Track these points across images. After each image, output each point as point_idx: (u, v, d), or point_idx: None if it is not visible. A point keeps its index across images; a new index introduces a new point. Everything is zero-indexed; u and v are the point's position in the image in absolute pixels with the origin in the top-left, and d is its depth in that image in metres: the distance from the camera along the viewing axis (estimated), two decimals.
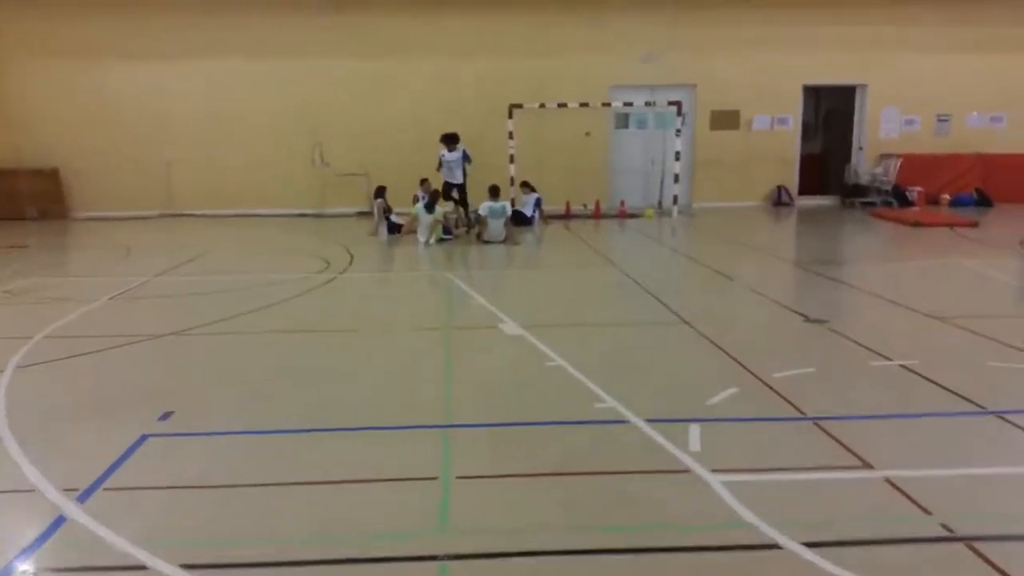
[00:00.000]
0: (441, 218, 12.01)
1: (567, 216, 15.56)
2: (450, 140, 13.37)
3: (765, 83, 17.16)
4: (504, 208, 12.16)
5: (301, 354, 6.02)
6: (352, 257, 10.64)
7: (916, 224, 13.16)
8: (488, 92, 16.42)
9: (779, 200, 17.53)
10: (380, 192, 13.13)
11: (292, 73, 16.46)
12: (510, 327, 6.58)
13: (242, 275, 9.33)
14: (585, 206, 16.28)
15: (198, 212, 16.72)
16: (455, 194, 13.32)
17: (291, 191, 16.70)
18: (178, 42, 16.26)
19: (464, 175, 13.46)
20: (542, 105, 15.33)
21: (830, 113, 19.59)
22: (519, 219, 13.53)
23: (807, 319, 6.82)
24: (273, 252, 11.33)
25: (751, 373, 5.26)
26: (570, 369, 5.39)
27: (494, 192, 12.46)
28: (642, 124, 17.52)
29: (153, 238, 13.41)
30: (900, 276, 9.24)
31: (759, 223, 15.11)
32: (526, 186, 14.54)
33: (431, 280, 9.34)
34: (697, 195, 17.43)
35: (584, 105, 15.27)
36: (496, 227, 12.03)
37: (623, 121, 17.44)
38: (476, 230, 12.90)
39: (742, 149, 17.43)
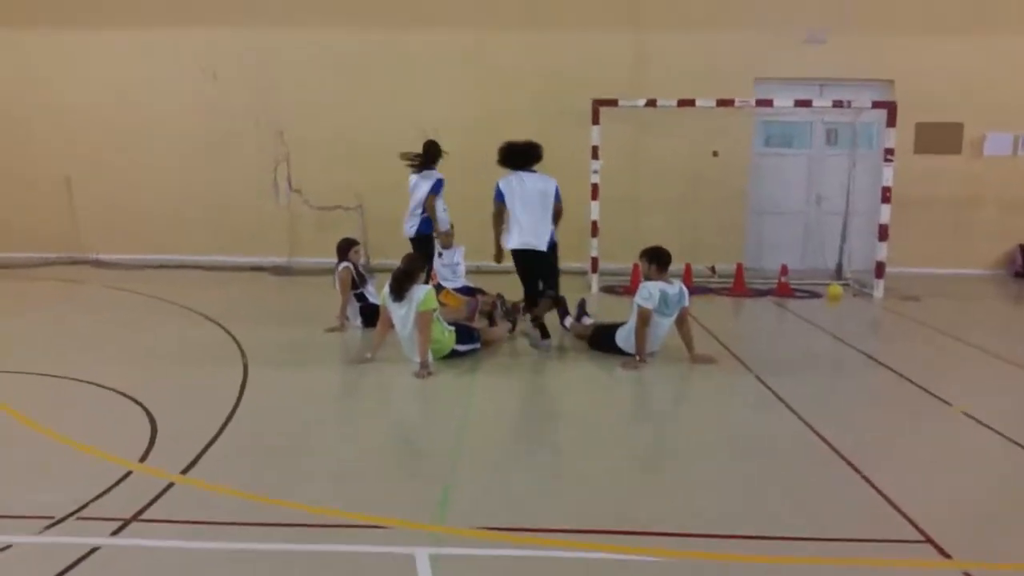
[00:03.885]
0: (434, 308, 5.65)
1: (689, 287, 9.13)
2: (422, 158, 7.41)
3: (1004, 78, 10.57)
4: (682, 295, 5.92)
5: None
6: (225, 423, 4.48)
7: None
8: (552, 82, 10.28)
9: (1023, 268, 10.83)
10: (344, 250, 6.98)
11: (245, 48, 10.56)
12: None
13: None
14: (713, 270, 9.91)
15: (109, 257, 10.93)
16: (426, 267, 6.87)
17: (245, 231, 10.76)
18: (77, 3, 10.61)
19: (433, 224, 7.45)
20: (650, 103, 9.01)
21: None
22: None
23: None
24: (90, 400, 5.16)
25: None
26: None
27: (661, 260, 5.89)
28: (799, 141, 11.10)
29: None
30: None
31: None
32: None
33: None
34: (891, 255, 10.82)
35: (725, 104, 8.87)
36: (663, 328, 5.91)
37: (775, 135, 11.03)
38: (522, 321, 6.68)
39: (964, 184, 10.83)
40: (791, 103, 8.98)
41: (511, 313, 6.96)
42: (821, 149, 10.91)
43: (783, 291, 8.98)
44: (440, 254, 8.05)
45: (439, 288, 7.95)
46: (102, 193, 10.84)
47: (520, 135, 6.50)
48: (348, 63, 10.51)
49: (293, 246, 10.67)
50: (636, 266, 8.89)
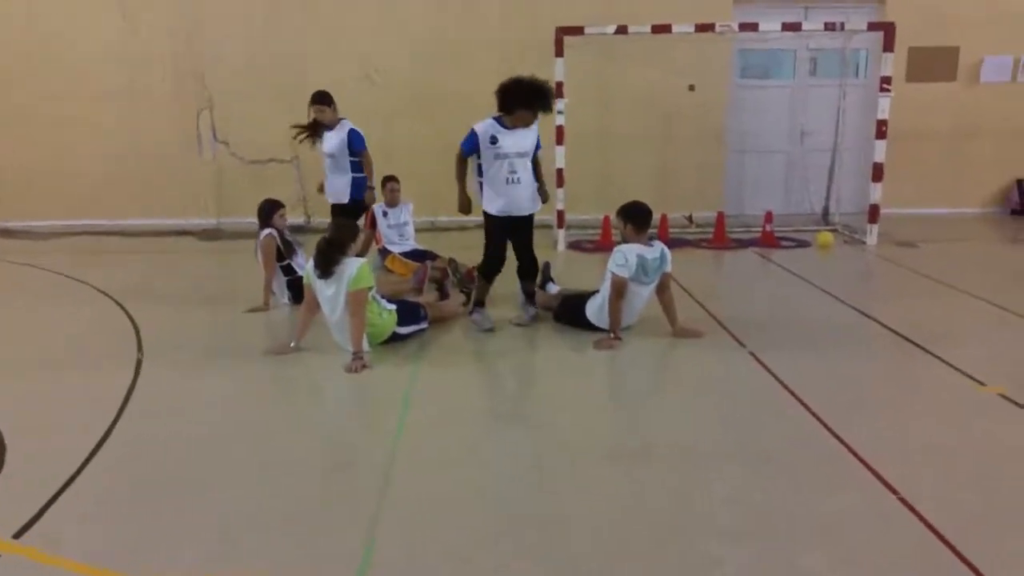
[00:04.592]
0: (369, 287, 4.62)
1: (665, 240, 8.24)
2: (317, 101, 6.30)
3: (1003, 1, 9.66)
4: (663, 259, 4.99)
5: None
6: (92, 452, 3.53)
7: None
8: (516, 12, 9.16)
9: (1022, 204, 10.08)
10: (267, 213, 5.93)
11: None
12: None
13: None
14: (691, 219, 9.04)
15: (19, 224, 9.71)
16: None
17: (168, 190, 9.58)
18: None
19: (358, 183, 6.26)
20: (621, 29, 7.92)
21: None
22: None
23: None
24: None
25: None
26: None
27: (639, 219, 5.00)
28: (778, 71, 10.16)
29: None
30: None
31: None
32: None
33: None
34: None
35: (705, 28, 7.80)
36: (641, 299, 5.01)
37: (753, 65, 10.05)
38: (471, 289, 5.67)
39: (958, 115, 9.98)
40: (778, 27, 7.94)
41: (465, 282, 6.02)
42: (804, 79, 9.95)
43: (768, 241, 8.13)
44: (385, 213, 7.03)
45: (385, 253, 6.97)
46: (6, 151, 9.54)
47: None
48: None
49: (222, 206, 9.52)
50: (607, 218, 7.99)
